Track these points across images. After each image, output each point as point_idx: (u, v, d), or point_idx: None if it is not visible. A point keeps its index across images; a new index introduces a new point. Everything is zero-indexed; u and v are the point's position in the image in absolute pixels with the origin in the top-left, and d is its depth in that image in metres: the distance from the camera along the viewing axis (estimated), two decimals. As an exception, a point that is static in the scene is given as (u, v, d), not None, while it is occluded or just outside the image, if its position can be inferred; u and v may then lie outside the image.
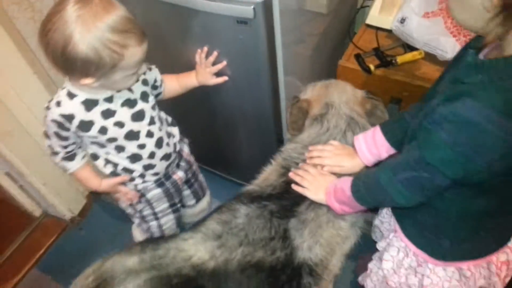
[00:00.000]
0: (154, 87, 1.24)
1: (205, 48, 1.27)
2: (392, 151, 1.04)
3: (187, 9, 1.18)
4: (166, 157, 1.27)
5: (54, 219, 1.94)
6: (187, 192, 1.48)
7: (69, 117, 1.06)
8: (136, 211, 1.38)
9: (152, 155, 1.23)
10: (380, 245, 1.07)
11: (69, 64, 0.94)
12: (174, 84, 1.32)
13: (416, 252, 0.95)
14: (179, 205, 1.44)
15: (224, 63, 1.28)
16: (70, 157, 1.19)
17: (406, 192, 0.82)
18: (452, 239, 0.89)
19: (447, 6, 0.71)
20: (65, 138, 1.12)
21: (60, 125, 1.07)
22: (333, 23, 1.62)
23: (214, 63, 1.29)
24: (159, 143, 1.23)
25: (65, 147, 1.15)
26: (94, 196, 1.99)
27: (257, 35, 1.17)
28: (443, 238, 0.90)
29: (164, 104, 1.31)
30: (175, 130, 1.33)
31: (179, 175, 1.37)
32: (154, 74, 1.23)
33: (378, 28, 1.61)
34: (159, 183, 1.32)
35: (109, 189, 1.28)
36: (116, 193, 1.32)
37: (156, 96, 1.25)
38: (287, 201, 1.10)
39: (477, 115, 0.65)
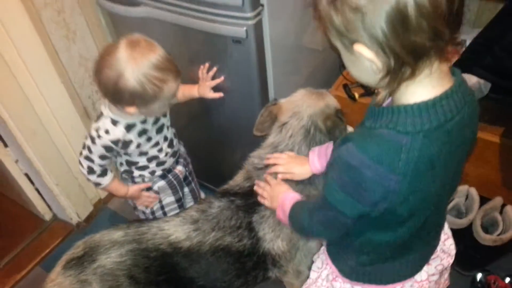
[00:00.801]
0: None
1: (207, 64, 1.46)
2: None
3: (189, 29, 1.39)
4: (174, 154, 1.48)
5: (61, 223, 2.10)
6: (186, 190, 1.62)
7: (116, 142, 1.28)
8: (147, 207, 1.53)
9: (166, 154, 1.43)
10: (314, 257, 1.15)
11: (119, 95, 1.16)
12: (179, 94, 1.49)
13: (331, 267, 1.02)
14: (183, 201, 1.59)
15: (222, 78, 1.46)
16: (103, 172, 1.37)
17: (322, 230, 0.90)
18: (356, 261, 0.95)
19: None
20: (107, 158, 1.33)
21: (108, 149, 1.28)
22: (326, 57, 1.80)
23: (213, 78, 1.47)
24: (171, 144, 1.45)
25: (103, 165, 1.35)
26: (101, 205, 2.14)
27: (249, 53, 1.35)
28: (350, 258, 0.96)
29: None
30: (174, 131, 1.52)
31: (179, 168, 1.54)
32: None
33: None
34: (162, 175, 1.49)
35: (135, 194, 1.46)
36: (139, 198, 1.49)
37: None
38: (250, 200, 1.23)
39: (354, 159, 0.70)
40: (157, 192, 1.51)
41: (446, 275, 1.09)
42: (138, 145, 1.33)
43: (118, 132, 1.27)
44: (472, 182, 1.63)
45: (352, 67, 0.73)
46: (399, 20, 0.60)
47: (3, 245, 2.02)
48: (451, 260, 1.02)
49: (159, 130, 1.38)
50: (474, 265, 1.65)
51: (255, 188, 1.24)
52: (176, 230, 1.18)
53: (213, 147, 1.82)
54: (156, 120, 1.36)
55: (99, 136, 1.27)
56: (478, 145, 1.46)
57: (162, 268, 1.14)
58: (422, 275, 0.97)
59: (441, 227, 0.99)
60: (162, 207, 1.55)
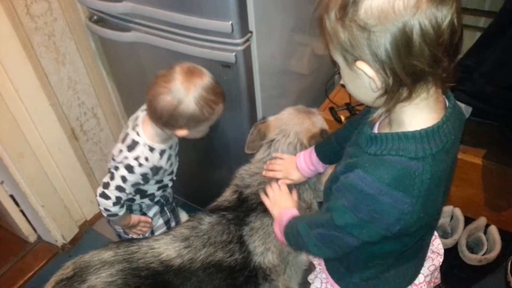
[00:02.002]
0: None
1: None
2: (327, 166, 1.20)
3: (180, 54, 1.43)
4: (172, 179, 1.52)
5: (46, 245, 2.07)
6: (168, 208, 1.63)
7: (154, 169, 1.32)
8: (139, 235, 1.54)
9: (171, 179, 1.49)
10: (310, 277, 1.17)
11: (174, 120, 1.22)
12: None
13: (333, 285, 1.04)
14: (171, 223, 1.61)
15: None
16: (123, 204, 1.37)
17: (319, 245, 0.90)
18: (361, 277, 0.98)
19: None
20: (137, 185, 1.35)
21: (145, 177, 1.32)
22: (313, 81, 1.87)
23: None
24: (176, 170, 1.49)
25: (128, 194, 1.35)
26: (86, 227, 2.13)
27: (238, 77, 1.40)
28: (354, 275, 0.98)
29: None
30: None
31: (169, 190, 1.57)
32: None
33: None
34: (156, 201, 1.53)
35: (135, 223, 1.47)
36: (137, 227, 1.50)
37: None
38: (239, 213, 1.26)
39: (370, 188, 0.72)
40: (151, 219, 1.53)
41: (436, 273, 1.12)
42: (165, 172, 1.38)
43: (155, 159, 1.31)
44: (457, 202, 1.68)
45: (350, 83, 0.75)
46: (403, 43, 0.63)
47: (-15, 269, 1.99)
48: (441, 259, 1.06)
49: (176, 157, 1.44)
50: (460, 285, 1.68)
51: (266, 187, 1.26)
52: (166, 248, 1.19)
53: (202, 169, 1.84)
54: (175, 146, 1.42)
55: (140, 165, 1.29)
56: (461, 167, 1.52)
57: (153, 287, 1.15)
58: (419, 278, 1.01)
59: (433, 231, 1.03)
60: (152, 232, 1.57)
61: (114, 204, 1.32)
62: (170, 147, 1.38)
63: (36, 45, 1.66)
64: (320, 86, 1.89)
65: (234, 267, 1.19)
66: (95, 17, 1.63)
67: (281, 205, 1.17)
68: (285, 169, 1.25)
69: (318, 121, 1.38)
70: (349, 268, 0.98)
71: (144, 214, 1.51)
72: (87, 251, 1.23)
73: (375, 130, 0.82)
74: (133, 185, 1.33)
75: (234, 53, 1.32)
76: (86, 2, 1.58)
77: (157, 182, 1.42)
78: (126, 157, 1.29)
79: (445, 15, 0.63)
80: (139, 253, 1.18)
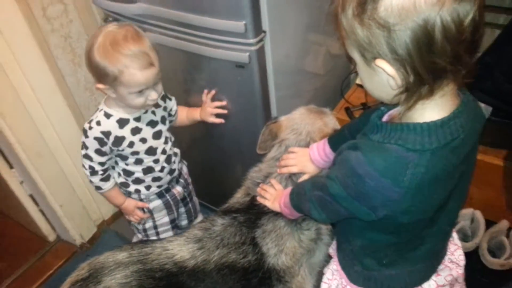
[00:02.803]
0: (170, 115, 1.48)
1: (213, 91, 1.50)
2: None
3: (194, 55, 1.43)
4: (171, 172, 1.49)
5: (65, 244, 2.11)
6: (182, 210, 1.64)
7: (107, 134, 1.29)
8: (140, 223, 1.55)
9: (162, 169, 1.44)
10: (324, 270, 1.17)
11: (91, 67, 1.21)
12: (183, 115, 1.55)
13: (341, 274, 1.04)
14: (177, 221, 1.61)
15: (224, 103, 1.50)
16: (106, 178, 1.40)
17: (317, 207, 0.93)
18: (362, 265, 0.98)
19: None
20: (104, 154, 1.34)
21: (100, 141, 1.30)
22: (328, 81, 1.85)
23: (215, 100, 1.51)
24: (168, 160, 1.45)
25: (103, 164, 1.36)
26: (105, 227, 2.15)
27: (252, 77, 1.39)
28: (355, 262, 0.99)
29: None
30: (177, 150, 1.54)
31: (178, 189, 1.56)
32: (172, 104, 1.49)
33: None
34: (160, 194, 1.51)
35: (129, 207, 1.48)
36: (131, 214, 1.51)
37: (169, 122, 1.49)
38: (251, 215, 1.26)
39: (360, 168, 0.73)
40: (150, 212, 1.53)
41: (457, 286, 1.09)
42: (131, 144, 1.33)
43: (110, 125, 1.29)
44: (477, 205, 1.64)
45: (367, 80, 0.74)
46: (424, 40, 0.62)
47: (7, 266, 2.03)
48: (460, 270, 1.03)
49: (156, 136, 1.39)
50: (481, 290, 1.64)
51: (258, 190, 1.27)
52: (180, 250, 1.20)
53: (216, 168, 1.84)
54: (153, 123, 1.38)
55: (90, 128, 1.29)
56: (481, 168, 1.47)
57: (167, 289, 1.15)
58: (430, 284, 0.98)
59: (449, 237, 1.01)
60: (155, 227, 1.57)
61: (91, 174, 1.37)
62: (138, 119, 1.33)
63: (53, 47, 1.68)
64: (336, 85, 1.87)
65: (248, 268, 1.18)
66: (110, 19, 1.64)
67: (284, 192, 1.17)
68: (299, 163, 1.24)
69: (330, 121, 1.37)
70: (352, 254, 0.99)
71: (141, 199, 1.52)
72: (105, 250, 1.25)
73: (384, 119, 0.82)
74: (97, 152, 1.32)
75: (247, 53, 1.31)
76: (101, 3, 1.59)
77: (137, 162, 1.40)
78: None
79: (467, 11, 0.61)
80: (153, 255, 1.19)
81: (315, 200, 0.93)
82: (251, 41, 1.28)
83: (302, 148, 1.27)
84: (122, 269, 1.16)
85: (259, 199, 1.26)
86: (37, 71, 1.62)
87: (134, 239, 1.70)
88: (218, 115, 1.50)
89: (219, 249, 1.19)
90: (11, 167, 1.88)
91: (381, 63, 0.67)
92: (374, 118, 0.79)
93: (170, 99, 1.49)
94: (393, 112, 0.75)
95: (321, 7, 1.51)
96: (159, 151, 1.41)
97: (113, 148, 1.33)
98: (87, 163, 1.36)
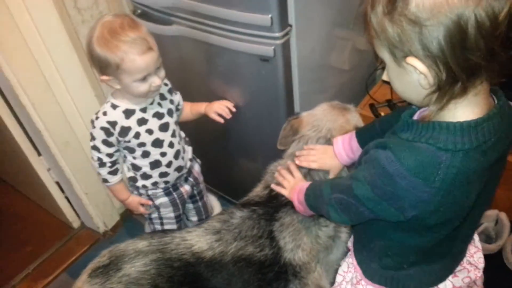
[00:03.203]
0: (177, 109, 1.49)
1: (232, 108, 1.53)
2: None
3: (219, 47, 1.44)
4: (178, 168, 1.49)
5: (89, 231, 2.16)
6: (190, 206, 1.66)
7: (113, 124, 1.31)
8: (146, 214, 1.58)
9: (169, 164, 1.44)
10: (341, 262, 1.16)
11: (93, 60, 1.23)
12: (187, 109, 1.56)
13: (356, 269, 1.03)
14: (182, 216, 1.63)
15: (232, 106, 1.54)
16: (114, 171, 1.42)
17: (337, 210, 0.90)
18: (379, 263, 0.96)
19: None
20: (111, 145, 1.36)
21: (106, 131, 1.32)
22: (353, 77, 1.82)
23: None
24: (176, 155, 1.45)
25: (111, 155, 1.38)
26: (127, 215, 2.19)
27: (277, 71, 1.38)
28: (373, 260, 0.97)
29: (188, 129, 1.55)
30: (188, 148, 1.55)
31: (186, 188, 1.57)
32: (178, 98, 1.49)
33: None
34: (167, 192, 1.52)
35: (133, 204, 1.51)
36: (134, 209, 1.54)
37: (177, 116, 1.50)
38: (269, 208, 1.25)
39: (391, 167, 0.72)
40: (157, 207, 1.55)
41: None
42: (137, 135, 1.34)
43: (116, 115, 1.31)
44: (502, 207, 1.60)
45: (397, 80, 0.73)
46: (458, 36, 0.61)
47: (32, 251, 2.10)
48: (478, 273, 1.00)
49: (163, 128, 1.39)
50: (503, 293, 1.60)
51: (276, 175, 1.26)
52: (198, 240, 1.21)
53: (237, 162, 1.85)
54: (159, 115, 1.38)
55: (97, 118, 1.32)
56: (508, 170, 1.42)
57: (185, 278, 1.16)
58: (446, 285, 0.96)
59: (470, 239, 0.98)
60: (160, 218, 1.59)
61: (100, 165, 1.39)
62: (144, 110, 1.34)
63: (83, 38, 1.71)
64: (361, 81, 1.84)
65: (264, 262, 1.18)
66: (139, 11, 1.66)
67: (301, 186, 1.14)
68: (319, 159, 1.22)
69: (353, 118, 1.34)
70: (371, 252, 0.98)
71: (152, 200, 1.53)
72: (127, 239, 1.27)
73: (415, 117, 0.80)
74: (104, 143, 1.34)
75: (272, 47, 1.31)
76: (130, -4, 1.62)
77: (144, 154, 1.40)
78: None
79: (502, 6, 0.60)
80: (172, 244, 1.20)
81: (335, 203, 0.91)
82: (277, 34, 1.28)
83: (322, 146, 1.26)
84: (141, 257, 1.18)
85: (274, 186, 1.25)
86: (67, 61, 1.66)
87: (146, 225, 1.73)
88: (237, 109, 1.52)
89: (237, 241, 1.19)
90: (39, 154, 1.94)
91: (412, 60, 0.65)
92: (405, 116, 0.78)
93: (176, 93, 1.49)
94: (424, 111, 0.73)
95: (348, 2, 1.49)
96: (165, 143, 1.41)
97: (119, 138, 1.34)
98: (95, 154, 1.38)
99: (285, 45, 1.33)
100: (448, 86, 0.66)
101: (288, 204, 1.23)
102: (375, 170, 0.76)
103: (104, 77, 1.25)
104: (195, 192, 1.63)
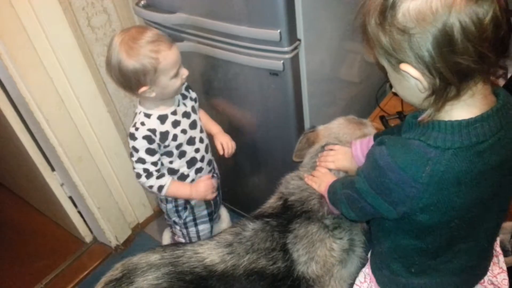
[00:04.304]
0: (195, 104, 1.52)
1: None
2: None
3: (228, 62, 1.46)
4: (209, 162, 1.55)
5: (101, 246, 2.17)
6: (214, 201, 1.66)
7: (153, 131, 1.36)
8: (181, 218, 1.59)
9: (202, 159, 1.50)
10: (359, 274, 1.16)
11: (126, 80, 1.27)
12: (202, 121, 1.56)
13: (371, 278, 1.03)
14: (214, 215, 1.65)
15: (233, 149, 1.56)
16: (161, 175, 1.43)
17: (346, 205, 0.94)
18: (389, 269, 0.96)
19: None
20: (154, 152, 1.39)
21: (149, 139, 1.36)
22: (363, 89, 1.83)
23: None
24: (207, 149, 1.52)
25: (156, 163, 1.40)
26: (139, 230, 2.21)
27: (286, 85, 1.40)
28: (384, 266, 0.98)
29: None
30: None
31: (214, 183, 1.57)
32: (194, 94, 1.52)
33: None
34: None
35: (199, 188, 1.47)
36: (202, 192, 1.48)
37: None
38: (283, 220, 1.25)
39: (382, 160, 0.75)
40: (192, 208, 1.57)
41: None
42: (175, 137, 1.39)
43: (153, 123, 1.36)
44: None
45: (398, 85, 0.77)
46: (445, 42, 0.63)
47: (45, 265, 2.11)
48: None
49: (193, 126, 1.45)
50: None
51: (306, 177, 1.27)
52: (210, 254, 1.21)
53: (248, 175, 1.86)
54: (187, 115, 1.43)
55: (137, 129, 1.35)
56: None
57: (197, 292, 1.17)
58: None
59: (485, 254, 0.96)
60: (194, 219, 1.61)
61: (147, 177, 1.40)
62: (175, 113, 1.39)
63: (96, 55, 1.75)
64: (371, 94, 1.85)
65: (277, 275, 1.18)
66: (151, 28, 1.70)
67: (326, 181, 1.17)
68: (337, 160, 1.24)
69: (370, 132, 1.34)
70: (381, 257, 0.99)
71: (188, 201, 1.55)
72: (138, 253, 1.28)
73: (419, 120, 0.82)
74: (147, 152, 1.36)
75: (282, 61, 1.33)
76: (142, 14, 1.65)
77: (181, 155, 1.43)
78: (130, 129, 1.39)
79: (486, 10, 0.62)
80: (184, 257, 1.21)
81: (344, 198, 0.95)
82: (286, 49, 1.30)
83: (342, 147, 1.27)
84: (154, 270, 1.19)
85: (306, 180, 1.26)
86: (80, 78, 1.70)
87: (165, 234, 1.73)
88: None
89: (249, 254, 1.19)
90: (53, 169, 1.96)
91: (405, 67, 0.68)
92: (408, 118, 0.81)
93: (191, 90, 1.53)
94: (425, 114, 0.75)
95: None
96: (197, 140, 1.47)
97: (160, 144, 1.38)
98: (140, 167, 1.39)
99: (294, 59, 1.34)
100: (442, 90, 0.68)
101: (302, 215, 1.23)
102: (370, 164, 0.81)
103: (142, 89, 1.28)
104: (218, 185, 1.66)
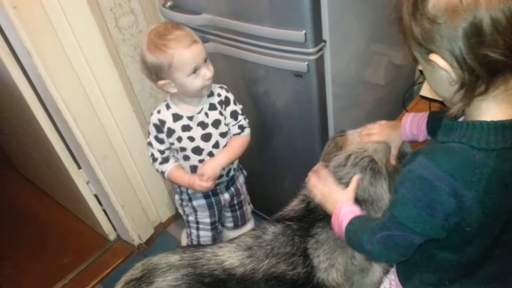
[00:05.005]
0: (226, 124, 1.47)
1: None
2: (427, 137, 1.09)
3: (252, 63, 1.45)
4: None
5: (124, 244, 2.19)
6: (228, 214, 1.68)
7: (163, 122, 1.41)
8: (184, 213, 1.62)
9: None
10: (383, 278, 1.13)
11: (148, 70, 1.34)
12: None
13: (397, 285, 0.99)
14: (218, 224, 1.65)
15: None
16: (165, 159, 1.48)
17: (384, 251, 0.84)
18: (420, 279, 0.92)
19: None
20: (162, 141, 1.44)
21: (157, 128, 1.41)
22: (389, 92, 1.79)
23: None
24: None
25: (162, 152, 1.46)
26: (161, 229, 2.22)
27: (310, 87, 1.38)
28: (415, 276, 0.93)
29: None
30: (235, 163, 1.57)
31: (225, 197, 1.58)
32: (228, 113, 1.45)
33: (431, 100, 1.73)
34: (206, 195, 1.55)
35: (192, 181, 1.45)
36: (201, 187, 1.45)
37: (228, 130, 1.48)
38: (304, 223, 1.22)
39: (427, 172, 0.71)
40: (195, 210, 1.58)
41: None
42: (180, 139, 1.41)
43: (166, 115, 1.40)
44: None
45: (429, 77, 0.75)
46: (474, 34, 0.62)
47: (70, 261, 2.15)
48: None
49: (205, 138, 1.43)
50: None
51: (307, 181, 1.21)
52: (230, 256, 1.19)
53: (270, 178, 1.84)
54: (203, 125, 1.42)
55: (151, 114, 1.43)
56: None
57: (215, 295, 1.15)
58: None
59: None
60: (197, 222, 1.62)
61: (153, 160, 1.48)
62: (191, 119, 1.41)
63: (123, 55, 1.78)
64: (397, 97, 1.80)
65: (297, 281, 1.15)
66: (176, 30, 1.71)
67: (334, 198, 1.09)
68: (380, 131, 1.19)
69: (401, 140, 1.29)
70: (413, 267, 0.94)
71: (191, 200, 1.57)
72: (160, 252, 1.28)
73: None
74: (156, 139, 1.43)
75: (306, 63, 1.31)
76: (169, 15, 1.66)
77: (185, 158, 1.46)
78: None
79: None
80: (204, 259, 1.20)
81: (379, 245, 0.85)
82: (311, 50, 1.28)
83: (387, 121, 1.22)
84: (173, 271, 1.18)
85: (306, 180, 1.21)
86: (107, 78, 1.72)
87: (183, 234, 1.73)
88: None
89: (269, 258, 1.17)
90: (79, 167, 2.00)
91: (434, 57, 0.68)
92: (445, 121, 0.77)
93: (228, 108, 1.46)
94: (454, 108, 0.72)
95: (384, 16, 1.47)
96: (205, 152, 1.46)
97: (167, 138, 1.42)
98: (149, 150, 1.47)
99: (319, 60, 1.32)
100: (471, 83, 0.67)
101: (324, 219, 1.19)
102: (412, 182, 0.74)
103: (161, 82, 1.33)
104: (235, 201, 1.65)
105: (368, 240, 0.88)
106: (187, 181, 1.47)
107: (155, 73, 1.33)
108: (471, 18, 0.61)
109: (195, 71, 1.30)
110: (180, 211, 1.64)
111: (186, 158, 1.47)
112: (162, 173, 1.50)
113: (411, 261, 0.92)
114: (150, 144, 1.46)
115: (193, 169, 1.48)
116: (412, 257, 0.90)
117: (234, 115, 1.46)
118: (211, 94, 1.43)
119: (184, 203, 1.59)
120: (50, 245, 2.28)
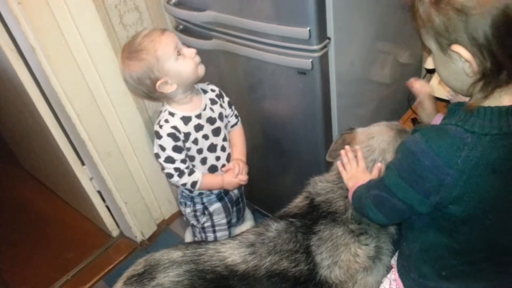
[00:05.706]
0: (226, 116, 1.52)
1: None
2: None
3: (256, 60, 1.45)
4: None
5: (127, 240, 2.20)
6: (234, 209, 1.67)
7: (176, 128, 1.37)
8: (199, 223, 1.60)
9: (223, 167, 1.49)
10: (383, 279, 1.13)
11: (142, 82, 1.33)
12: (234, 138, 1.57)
13: (398, 283, 1.00)
14: (231, 220, 1.66)
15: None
16: (191, 171, 1.43)
17: (372, 207, 0.92)
18: (419, 273, 0.93)
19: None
20: (181, 149, 1.39)
21: (173, 136, 1.37)
22: (394, 90, 1.78)
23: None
24: (228, 158, 1.51)
25: (185, 161, 1.41)
26: (164, 226, 2.22)
27: (314, 84, 1.37)
28: (412, 269, 0.95)
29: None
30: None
31: (235, 192, 1.59)
32: (226, 103, 1.52)
33: (437, 99, 1.72)
34: (220, 197, 1.55)
35: (229, 180, 1.49)
36: (238, 181, 1.50)
37: (228, 122, 1.53)
38: (308, 220, 1.22)
39: (415, 146, 0.74)
40: (210, 214, 1.57)
41: None
42: (196, 141, 1.40)
43: (176, 121, 1.37)
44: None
45: (443, 69, 0.75)
46: (504, 25, 0.62)
47: (72, 257, 2.16)
48: None
49: (216, 133, 1.45)
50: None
51: (342, 152, 1.24)
52: (232, 253, 1.20)
53: (273, 175, 1.83)
54: (212, 120, 1.43)
55: (161, 127, 1.36)
56: None
57: (217, 291, 1.16)
58: None
59: None
60: (213, 226, 1.61)
61: (179, 175, 1.40)
62: (199, 117, 1.40)
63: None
64: (402, 95, 1.79)
65: (299, 278, 1.15)
66: (181, 27, 1.71)
67: (358, 177, 1.14)
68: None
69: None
70: (409, 260, 0.97)
71: (206, 208, 1.56)
72: (162, 249, 1.28)
73: None
74: (174, 149, 1.37)
75: (310, 60, 1.30)
76: (173, 12, 1.66)
77: (203, 161, 1.45)
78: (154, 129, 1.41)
79: None
80: (206, 256, 1.20)
81: (370, 201, 0.93)
82: (315, 47, 1.27)
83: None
84: (175, 267, 1.19)
85: (339, 164, 1.23)
86: (111, 75, 1.72)
87: (187, 233, 1.73)
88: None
89: (271, 255, 1.17)
90: (82, 164, 2.01)
91: (457, 48, 0.67)
92: (451, 105, 0.79)
93: (225, 99, 1.53)
94: (472, 99, 0.74)
95: (390, 14, 1.46)
96: (219, 147, 1.46)
97: (184, 144, 1.39)
98: (171, 167, 1.39)
99: (323, 58, 1.32)
100: (493, 74, 0.67)
101: (327, 217, 1.20)
102: (401, 153, 0.80)
103: (159, 82, 1.31)
104: (238, 195, 1.66)
105: (365, 195, 0.97)
106: (222, 181, 1.47)
107: (149, 77, 1.30)
108: (504, 7, 0.61)
109: (179, 53, 1.32)
110: (193, 222, 1.61)
111: (203, 161, 1.46)
112: (194, 184, 1.43)
113: (409, 253, 0.95)
114: (169, 160, 1.38)
115: (211, 171, 1.48)
116: (411, 248, 0.93)
117: (230, 105, 1.53)
118: (206, 91, 1.47)
119: (198, 213, 1.58)
120: (53, 241, 2.29)
